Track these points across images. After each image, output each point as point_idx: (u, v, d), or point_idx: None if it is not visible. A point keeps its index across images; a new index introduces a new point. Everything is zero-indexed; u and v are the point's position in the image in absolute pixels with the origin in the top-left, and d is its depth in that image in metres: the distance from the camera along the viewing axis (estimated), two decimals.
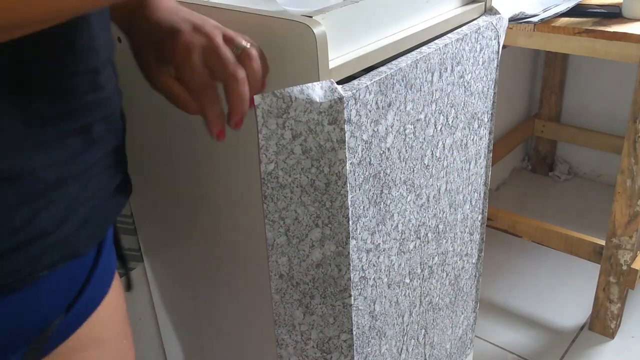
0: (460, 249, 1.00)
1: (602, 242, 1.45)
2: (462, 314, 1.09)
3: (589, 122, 2.09)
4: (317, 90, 0.64)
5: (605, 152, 2.07)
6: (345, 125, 0.66)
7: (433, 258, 0.91)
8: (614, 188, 1.38)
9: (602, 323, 1.53)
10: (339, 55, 0.68)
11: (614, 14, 1.30)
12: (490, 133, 0.98)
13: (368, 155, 0.72)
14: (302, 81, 0.65)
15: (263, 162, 0.68)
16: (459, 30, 0.83)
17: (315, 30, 0.62)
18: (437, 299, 0.97)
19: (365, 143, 0.70)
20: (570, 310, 1.63)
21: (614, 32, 1.22)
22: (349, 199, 0.71)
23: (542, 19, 1.30)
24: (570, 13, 1.33)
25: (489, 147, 0.99)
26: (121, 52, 0.87)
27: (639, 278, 1.44)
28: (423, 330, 0.96)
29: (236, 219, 0.85)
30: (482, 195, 1.02)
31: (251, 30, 0.67)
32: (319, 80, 0.64)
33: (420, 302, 0.92)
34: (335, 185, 0.70)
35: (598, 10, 1.32)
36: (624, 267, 1.43)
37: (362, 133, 0.69)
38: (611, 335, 1.52)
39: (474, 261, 1.07)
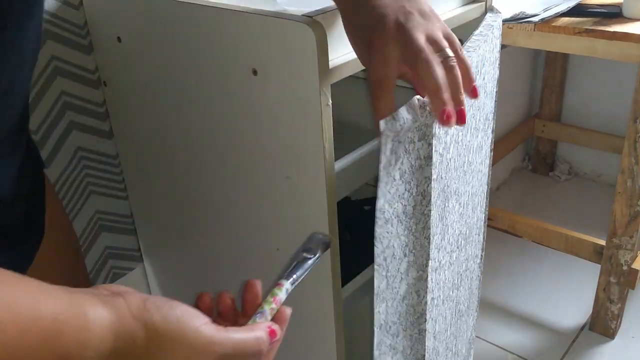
0: (474, 252, 0.99)
1: (603, 242, 1.45)
2: (471, 315, 1.08)
3: (589, 122, 2.09)
4: (414, 106, 0.61)
5: (606, 152, 2.07)
6: (433, 140, 0.62)
7: (463, 265, 0.89)
8: (615, 188, 1.38)
9: (603, 323, 1.53)
10: (339, 55, 0.68)
11: (614, 14, 1.30)
12: (492, 132, 0.97)
13: (440, 169, 0.68)
14: (302, 81, 0.65)
15: (379, 199, 0.62)
16: (479, 31, 0.81)
17: (315, 31, 0.61)
18: (462, 306, 0.94)
19: (440, 156, 0.67)
20: (571, 310, 1.63)
21: (614, 32, 1.22)
22: (430, 218, 0.68)
23: (542, 19, 1.30)
24: (570, 13, 1.33)
25: (491, 146, 0.98)
26: (121, 52, 0.87)
27: (639, 278, 1.43)
28: (455, 340, 0.94)
29: (236, 219, 0.85)
30: (485, 194, 1.01)
31: (251, 31, 0.67)
32: (318, 80, 0.64)
33: (455, 312, 0.90)
34: (420, 206, 0.66)
35: (598, 10, 1.32)
36: (625, 267, 1.43)
37: (439, 146, 0.66)
38: (611, 335, 1.52)
39: (479, 261, 1.06)
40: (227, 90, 0.74)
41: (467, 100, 0.60)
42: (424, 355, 0.77)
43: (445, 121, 0.57)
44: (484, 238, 1.07)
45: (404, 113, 0.59)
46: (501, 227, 1.63)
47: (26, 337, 0.33)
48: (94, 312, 0.38)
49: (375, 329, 0.70)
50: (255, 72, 0.69)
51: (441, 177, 0.69)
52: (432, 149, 0.63)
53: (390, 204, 0.63)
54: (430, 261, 0.71)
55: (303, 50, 0.63)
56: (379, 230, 0.64)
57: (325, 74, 0.64)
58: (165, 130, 0.88)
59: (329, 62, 0.65)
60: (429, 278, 0.72)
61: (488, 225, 1.15)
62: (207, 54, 0.74)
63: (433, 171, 0.66)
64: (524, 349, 1.50)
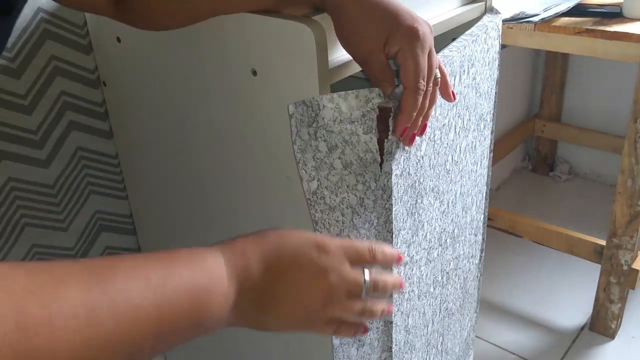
0: (468, 252, 0.99)
1: (603, 242, 1.45)
2: (467, 315, 1.08)
3: (589, 122, 2.09)
4: (349, 100, 0.62)
5: (606, 152, 2.07)
6: (390, 135, 0.64)
7: (449, 263, 0.90)
8: (615, 188, 1.38)
9: (603, 323, 1.53)
10: (339, 56, 0.68)
11: (614, 14, 1.30)
12: (491, 133, 0.97)
13: (407, 165, 0.69)
14: (302, 82, 0.65)
15: (304, 180, 0.64)
16: (470, 31, 0.82)
17: (314, 31, 0.61)
18: (451, 304, 0.95)
19: (406, 152, 0.68)
20: (571, 310, 1.63)
21: (614, 31, 1.22)
22: (393, 212, 0.69)
23: (542, 19, 1.30)
24: (570, 13, 1.33)
25: (490, 147, 0.98)
26: (121, 52, 0.87)
27: (639, 278, 1.43)
28: (441, 338, 0.94)
29: (236, 219, 0.85)
30: (484, 195, 1.01)
31: (251, 31, 0.67)
32: (317, 81, 0.64)
33: (440, 309, 0.91)
34: (381, 200, 0.67)
35: (598, 10, 1.32)
36: (625, 267, 1.43)
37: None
38: (612, 335, 1.52)
39: (477, 262, 1.06)
40: (226, 91, 0.74)
41: (455, 99, 0.68)
42: (391, 347, 0.78)
43: (408, 140, 0.65)
44: (483, 239, 1.07)
45: (323, 100, 0.63)
46: (501, 227, 1.63)
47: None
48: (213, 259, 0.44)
49: None
50: (254, 73, 0.69)
51: (409, 174, 0.70)
52: (389, 143, 0.64)
53: (333, 192, 0.66)
54: None
55: (302, 50, 0.63)
56: (319, 215, 0.67)
57: (324, 74, 0.64)
58: (164, 130, 0.88)
59: (329, 62, 0.65)
60: (394, 272, 0.73)
61: (488, 225, 1.15)
62: (206, 54, 0.74)
63: (395, 167, 0.66)
64: (524, 349, 1.50)
